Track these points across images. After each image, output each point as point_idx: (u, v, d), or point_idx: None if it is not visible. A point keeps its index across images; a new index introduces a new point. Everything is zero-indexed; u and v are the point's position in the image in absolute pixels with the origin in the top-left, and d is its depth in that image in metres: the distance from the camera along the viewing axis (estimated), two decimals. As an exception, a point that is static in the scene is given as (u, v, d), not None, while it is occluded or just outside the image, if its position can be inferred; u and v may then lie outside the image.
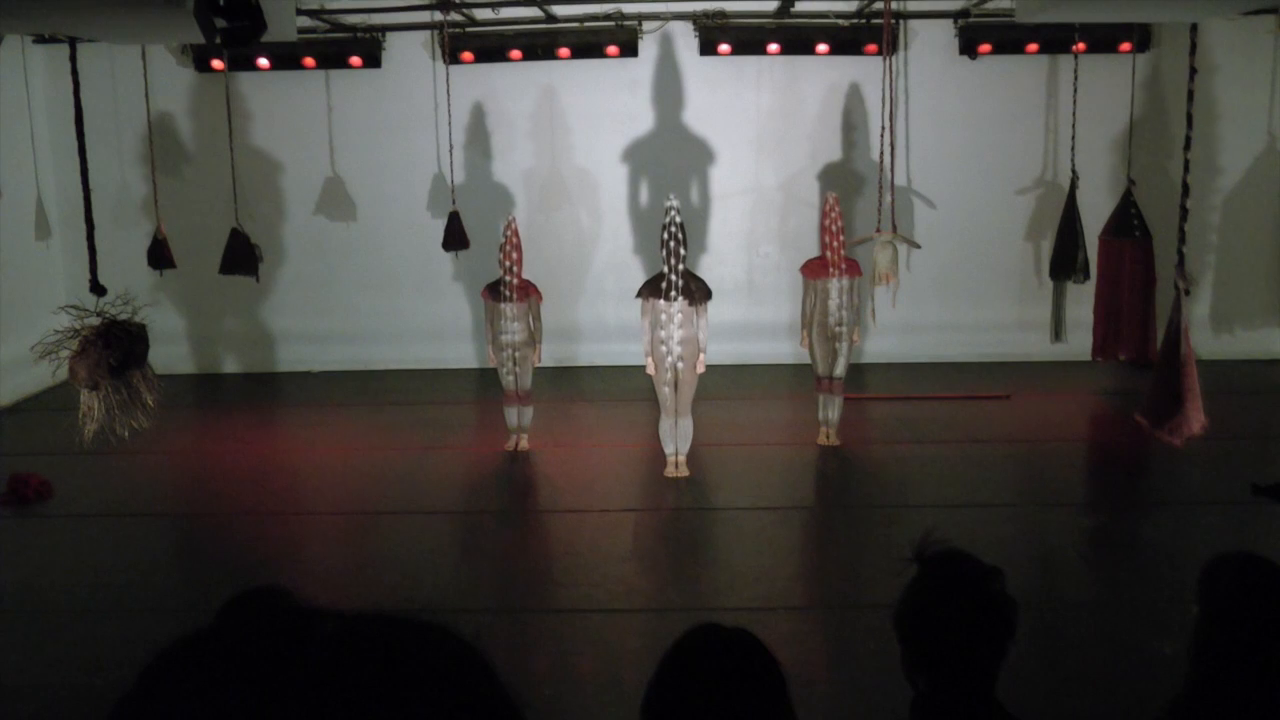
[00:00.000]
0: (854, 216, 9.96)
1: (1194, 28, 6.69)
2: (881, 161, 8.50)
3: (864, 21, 10.31)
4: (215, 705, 0.71)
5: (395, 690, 0.73)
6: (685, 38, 10.77)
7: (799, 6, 9.95)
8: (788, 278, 10.63)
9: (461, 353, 11.19)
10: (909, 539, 2.25)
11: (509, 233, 8.18)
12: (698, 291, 7.70)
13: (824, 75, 10.74)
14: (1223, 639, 2.30)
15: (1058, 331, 9.59)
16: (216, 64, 10.02)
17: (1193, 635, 2.37)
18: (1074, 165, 9.39)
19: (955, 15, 10.45)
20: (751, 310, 10.94)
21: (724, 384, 9.72)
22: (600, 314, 11.14)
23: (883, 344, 10.61)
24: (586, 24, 10.51)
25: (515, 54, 10.54)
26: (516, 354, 8.24)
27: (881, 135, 8.43)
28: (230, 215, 9.38)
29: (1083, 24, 9.16)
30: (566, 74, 10.81)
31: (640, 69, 10.78)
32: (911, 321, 10.48)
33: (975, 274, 10.98)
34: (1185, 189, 6.69)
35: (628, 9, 10.44)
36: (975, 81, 10.68)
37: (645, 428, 8.76)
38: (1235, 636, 2.28)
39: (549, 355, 10.78)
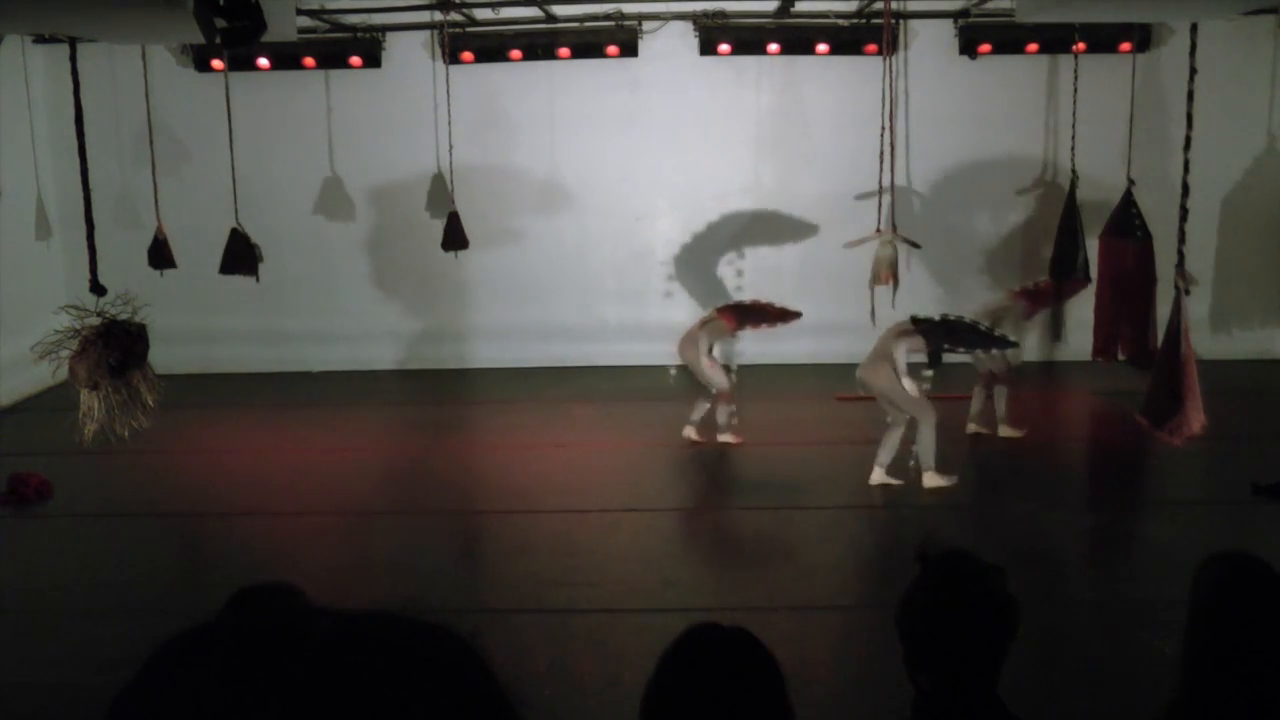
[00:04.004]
0: (854, 217, 9.94)
1: (1194, 28, 6.67)
2: (881, 161, 8.49)
3: (864, 21, 10.31)
4: (214, 700, 0.70)
5: (394, 690, 0.72)
6: (685, 38, 10.76)
7: (799, 6, 9.95)
8: (787, 278, 10.64)
9: (461, 353, 11.18)
10: (911, 538, 2.24)
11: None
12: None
13: (824, 75, 10.74)
14: (1214, 638, 2.30)
15: (1058, 331, 9.59)
16: (216, 64, 10.01)
17: (1186, 635, 2.36)
18: (1074, 165, 9.38)
19: (955, 15, 10.45)
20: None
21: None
22: (600, 314, 11.13)
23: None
24: (586, 24, 10.51)
25: (515, 54, 10.54)
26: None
27: (881, 135, 8.42)
28: (230, 215, 9.37)
29: (1083, 24, 9.16)
30: (566, 74, 10.80)
31: (640, 69, 10.77)
32: (911, 321, 10.42)
33: (975, 274, 10.98)
34: (1185, 189, 6.67)
35: (628, 9, 10.44)
36: (975, 81, 10.67)
37: (645, 428, 8.77)
38: (1227, 635, 2.28)
39: (548, 355, 10.79)
